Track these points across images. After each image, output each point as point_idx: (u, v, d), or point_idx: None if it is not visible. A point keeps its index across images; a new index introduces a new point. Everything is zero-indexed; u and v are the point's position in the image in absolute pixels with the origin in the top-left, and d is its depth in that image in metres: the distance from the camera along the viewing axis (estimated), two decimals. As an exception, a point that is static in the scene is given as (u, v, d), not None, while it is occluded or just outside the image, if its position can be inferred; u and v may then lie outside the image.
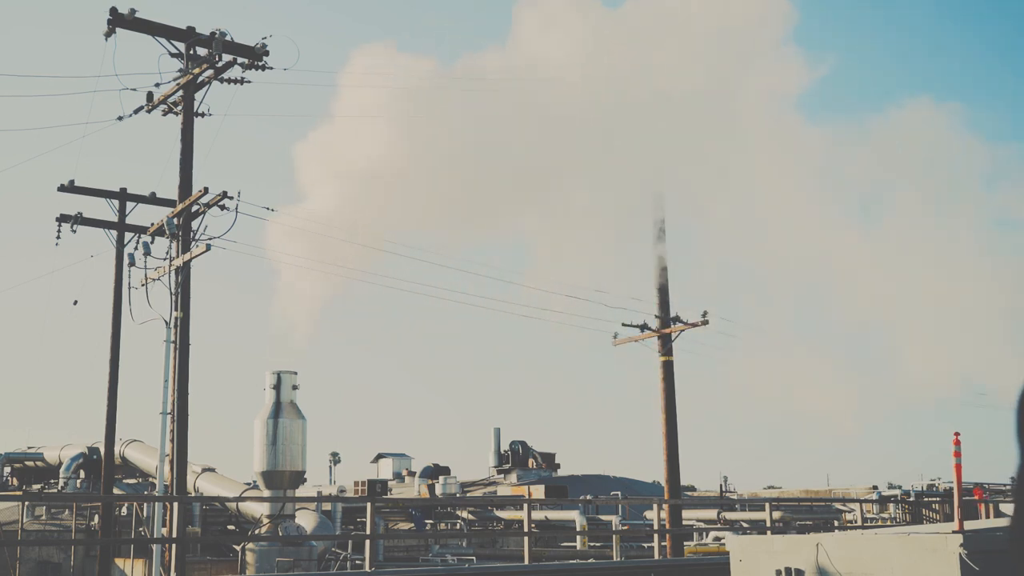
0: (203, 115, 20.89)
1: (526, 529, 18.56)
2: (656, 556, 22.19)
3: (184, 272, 20.05)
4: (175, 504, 17.58)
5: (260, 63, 20.82)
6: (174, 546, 18.66)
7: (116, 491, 37.25)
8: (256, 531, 31.14)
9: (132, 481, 45.90)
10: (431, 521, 46.16)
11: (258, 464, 28.42)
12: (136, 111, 21.24)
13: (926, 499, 50.66)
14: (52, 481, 46.60)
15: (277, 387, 28.59)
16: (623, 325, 26.89)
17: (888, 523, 46.48)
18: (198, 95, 20.82)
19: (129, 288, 21.26)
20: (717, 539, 39.44)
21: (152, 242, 20.98)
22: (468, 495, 56.13)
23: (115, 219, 28.82)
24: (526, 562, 18.29)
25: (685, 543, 32.46)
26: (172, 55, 20.79)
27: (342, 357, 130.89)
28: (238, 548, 29.36)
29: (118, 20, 19.99)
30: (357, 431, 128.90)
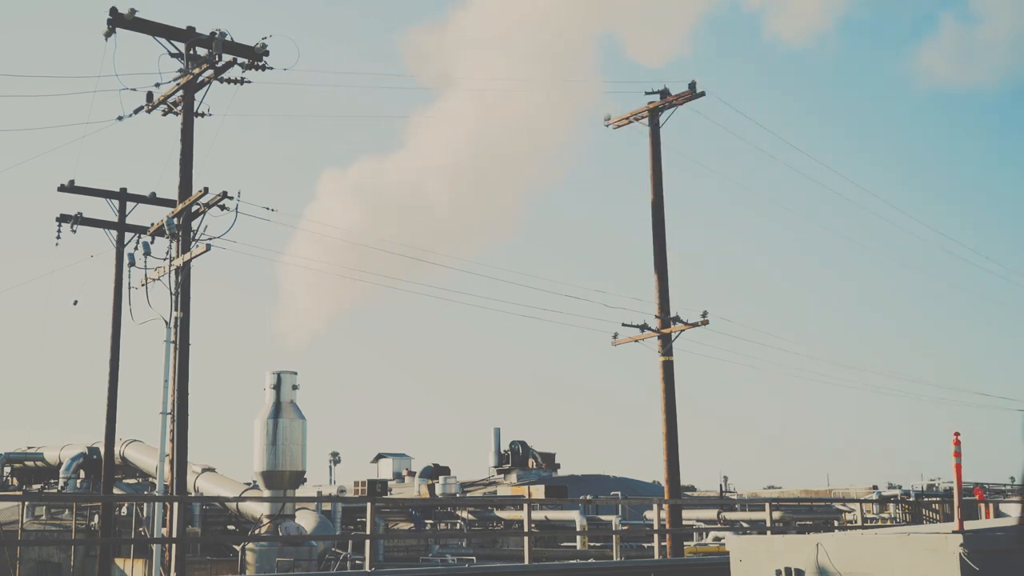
0: (203, 115, 20.90)
1: (526, 529, 18.57)
2: (656, 556, 22.20)
3: (184, 272, 20.05)
4: (175, 504, 17.58)
5: (260, 63, 20.82)
6: (174, 546, 18.67)
7: (116, 491, 37.25)
8: (256, 531, 31.15)
9: (132, 481, 45.89)
10: (431, 521, 46.15)
11: (258, 464, 28.43)
12: (136, 111, 21.24)
13: (926, 499, 50.68)
14: (52, 481, 46.58)
15: (277, 387, 28.61)
16: (623, 325, 26.88)
17: (888, 523, 46.49)
18: (198, 95, 20.83)
19: (129, 288, 21.27)
20: (717, 539, 39.43)
21: (152, 242, 20.98)
22: (468, 495, 56.12)
23: (115, 219, 28.84)
24: (526, 562, 18.30)
25: (685, 543, 32.46)
26: (172, 55, 20.80)
27: (342, 357, 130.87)
28: (238, 548, 29.37)
29: (118, 20, 19.99)
30: (357, 431, 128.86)
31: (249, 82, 20.97)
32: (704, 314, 26.33)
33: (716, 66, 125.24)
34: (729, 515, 44.22)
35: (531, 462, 61.56)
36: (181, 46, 20.81)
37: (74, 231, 28.89)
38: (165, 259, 20.51)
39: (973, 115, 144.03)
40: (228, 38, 20.58)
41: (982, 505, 26.81)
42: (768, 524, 24.40)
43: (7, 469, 49.82)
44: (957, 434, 9.92)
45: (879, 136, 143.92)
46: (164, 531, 20.21)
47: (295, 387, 28.81)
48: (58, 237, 28.59)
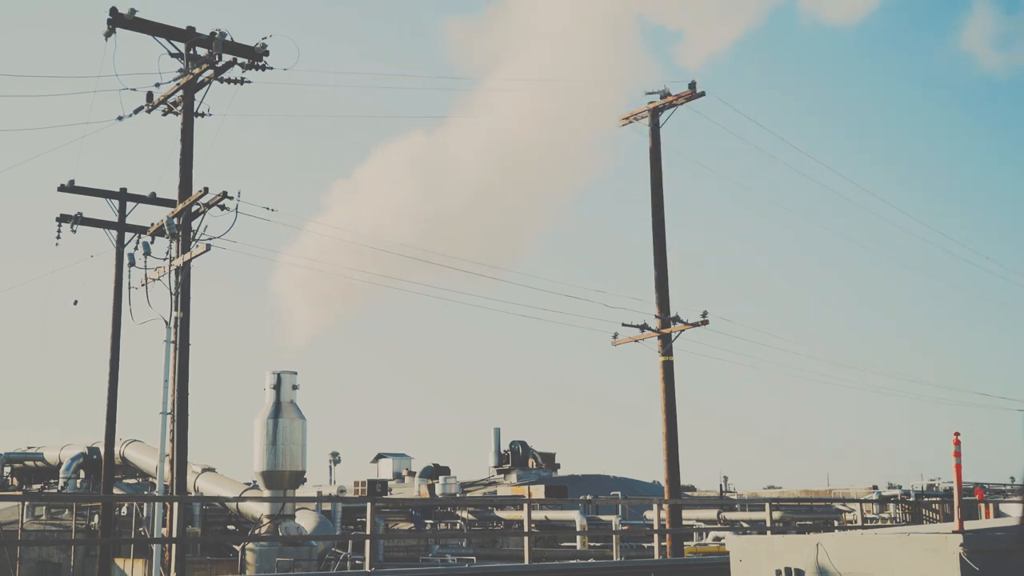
0: (203, 115, 20.89)
1: (526, 529, 18.56)
2: (656, 556, 22.20)
3: (184, 272, 20.05)
4: (175, 504, 17.58)
5: (260, 63, 20.82)
6: (174, 546, 18.67)
7: (116, 491, 37.24)
8: (256, 531, 31.15)
9: (132, 481, 45.87)
10: (431, 521, 46.15)
11: (258, 464, 28.41)
12: (136, 111, 21.23)
13: (926, 499, 50.66)
14: (52, 481, 46.56)
15: (277, 387, 28.59)
16: (623, 325, 26.89)
17: (888, 523, 46.48)
18: (198, 95, 20.82)
19: (129, 288, 21.27)
20: (717, 539, 39.43)
21: (152, 242, 20.97)
22: (468, 495, 56.11)
23: (115, 219, 28.83)
24: (526, 562, 18.30)
25: (685, 543, 32.46)
26: (172, 55, 20.79)
27: (342, 357, 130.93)
28: (238, 548, 29.37)
29: (118, 20, 19.98)
30: (357, 431, 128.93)
31: (249, 82, 20.98)
32: (704, 314, 26.34)
33: (742, 61, 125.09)
34: (729, 515, 44.21)
35: (531, 462, 61.54)
36: (181, 46, 20.80)
37: (74, 231, 28.88)
38: (165, 259, 20.51)
39: (975, 114, 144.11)
40: (228, 38, 20.58)
41: (982, 505, 26.80)
42: (768, 524, 24.39)
43: (7, 469, 49.80)
44: (957, 434, 9.92)
45: (879, 135, 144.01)
46: (164, 531, 20.21)
47: (295, 387, 28.79)
48: (58, 237, 28.60)
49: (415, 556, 38.20)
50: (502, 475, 60.36)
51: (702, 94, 26.98)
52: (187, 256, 19.93)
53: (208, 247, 19.52)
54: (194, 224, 20.32)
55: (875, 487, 60.74)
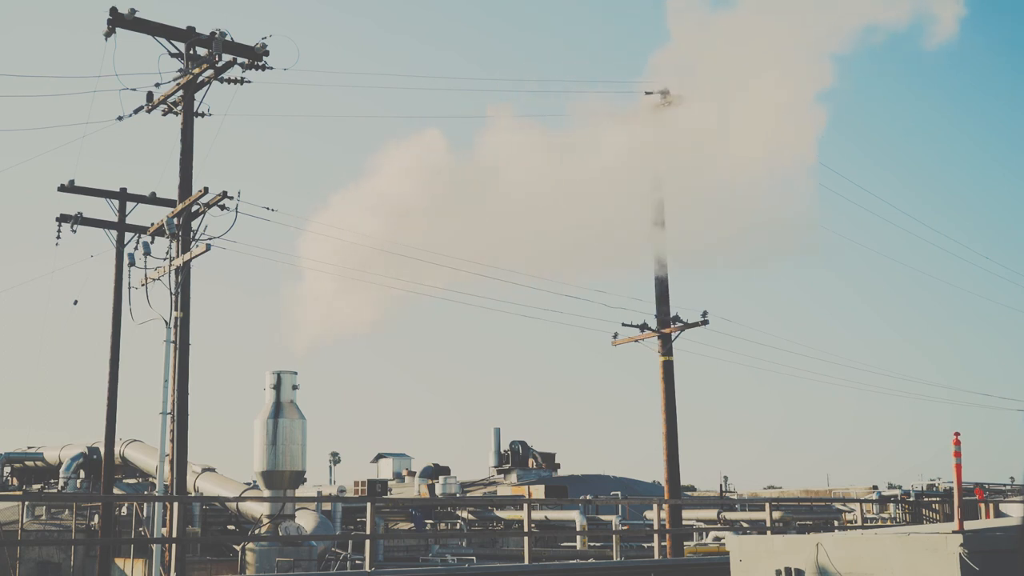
0: (203, 115, 20.89)
1: (526, 529, 18.57)
2: (656, 556, 22.21)
3: (184, 272, 20.05)
4: (175, 504, 17.59)
5: (260, 63, 20.82)
6: (174, 546, 18.67)
7: (116, 491, 37.23)
8: (256, 531, 31.14)
9: (132, 481, 45.86)
10: (431, 521, 46.14)
11: (258, 464, 28.41)
12: (136, 111, 21.24)
13: (926, 499, 50.64)
14: (52, 481, 46.55)
15: (277, 387, 28.58)
16: (623, 325, 26.90)
17: (888, 523, 46.46)
18: (198, 95, 20.82)
19: (129, 288, 21.26)
20: (717, 539, 39.42)
21: (152, 242, 20.97)
22: (468, 495, 56.09)
23: (115, 219, 28.81)
24: (526, 562, 18.30)
25: (685, 543, 32.45)
26: (172, 55, 20.80)
27: (342, 357, 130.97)
28: (238, 548, 29.36)
29: (118, 20, 19.99)
30: (357, 431, 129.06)
31: (249, 82, 20.98)
32: (704, 314, 26.35)
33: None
34: (729, 515, 44.19)
35: (531, 462, 61.54)
36: (181, 46, 20.81)
37: (74, 231, 28.86)
38: (165, 259, 20.51)
39: (971, 114, 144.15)
40: (228, 38, 20.58)
41: (982, 505, 26.81)
42: (768, 524, 24.39)
43: (7, 469, 49.80)
44: (957, 434, 9.92)
45: (877, 135, 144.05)
46: (164, 531, 20.21)
47: (295, 387, 28.79)
48: (58, 237, 28.57)
49: (415, 556, 38.19)
50: (502, 475, 60.34)
51: (702, 94, 26.96)
52: (187, 256, 19.92)
53: (208, 247, 19.52)
54: (194, 224, 20.32)
55: (875, 487, 60.71)
